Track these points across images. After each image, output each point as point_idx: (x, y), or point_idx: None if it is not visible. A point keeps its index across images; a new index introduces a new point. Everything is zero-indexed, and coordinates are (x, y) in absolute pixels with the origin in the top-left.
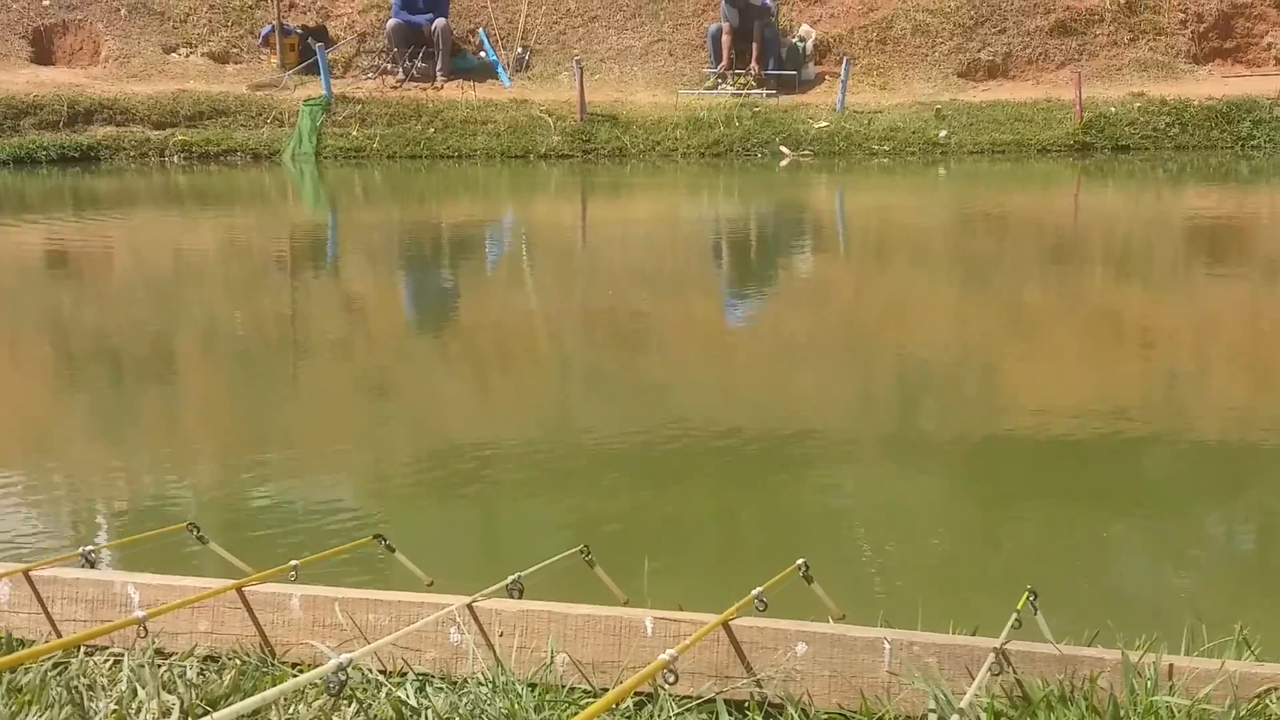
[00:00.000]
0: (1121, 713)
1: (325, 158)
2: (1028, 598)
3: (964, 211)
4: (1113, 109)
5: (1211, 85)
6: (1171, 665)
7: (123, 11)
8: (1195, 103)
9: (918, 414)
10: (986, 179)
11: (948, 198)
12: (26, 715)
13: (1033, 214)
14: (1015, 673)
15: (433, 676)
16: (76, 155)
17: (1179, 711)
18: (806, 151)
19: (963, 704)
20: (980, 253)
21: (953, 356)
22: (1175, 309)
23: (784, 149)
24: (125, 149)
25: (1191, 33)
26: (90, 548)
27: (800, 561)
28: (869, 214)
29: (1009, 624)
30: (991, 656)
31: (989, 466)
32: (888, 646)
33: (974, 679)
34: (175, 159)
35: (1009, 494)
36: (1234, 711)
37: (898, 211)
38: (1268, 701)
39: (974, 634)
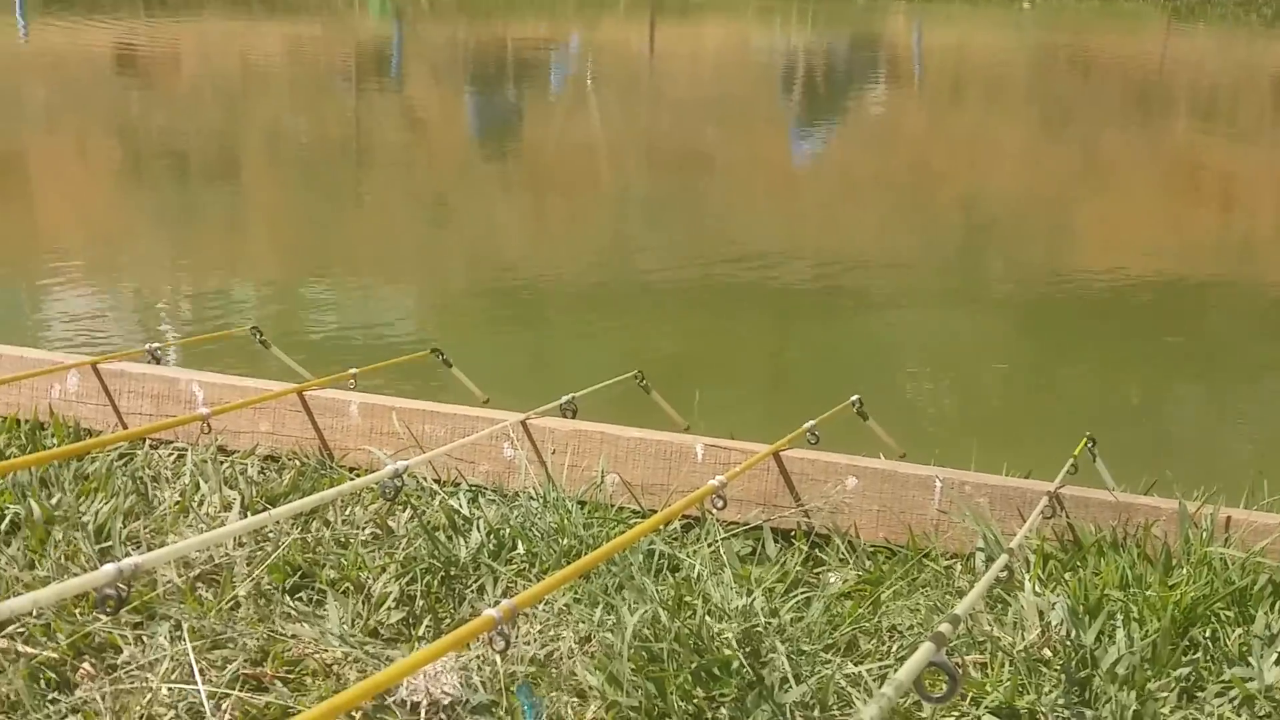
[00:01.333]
0: (1174, 561)
1: None
2: (1086, 444)
3: (1046, 50)
4: None
5: None
6: (1229, 517)
7: None
8: None
9: (984, 257)
10: (1072, 14)
11: (1030, 35)
12: (93, 501)
13: (1117, 55)
14: (1068, 517)
15: (485, 488)
16: None
17: (1234, 563)
18: None
19: (1012, 544)
20: (1060, 95)
21: (1024, 201)
22: (1257, 163)
23: None
24: None
25: None
26: (157, 345)
27: (855, 398)
28: (946, 50)
29: (1065, 468)
30: (1045, 500)
31: (1055, 313)
32: (939, 484)
33: (1025, 521)
34: None
35: (1074, 341)
36: None
37: (977, 49)
38: None
39: (1028, 478)
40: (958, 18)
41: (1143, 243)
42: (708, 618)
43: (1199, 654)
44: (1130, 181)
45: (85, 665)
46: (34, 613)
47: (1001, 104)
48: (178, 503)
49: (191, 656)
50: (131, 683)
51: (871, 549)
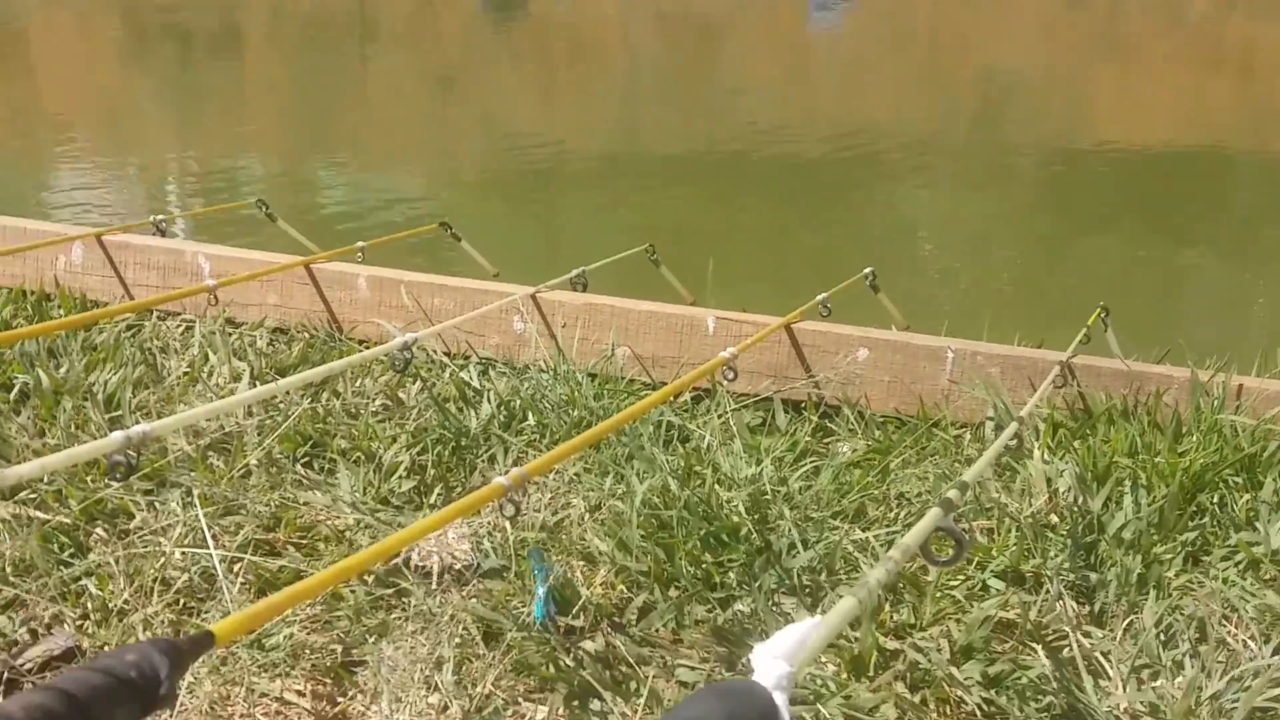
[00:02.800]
0: (1184, 429)
1: None
2: (1099, 314)
3: None
4: None
5: None
6: (1241, 385)
7: None
8: None
9: (998, 131)
10: None
11: None
12: (102, 371)
13: None
14: (1079, 386)
15: (495, 361)
16: None
17: (1244, 430)
18: None
19: (1022, 413)
20: None
21: (1041, 73)
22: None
23: None
24: None
25: None
26: (161, 217)
27: (868, 270)
28: None
29: (1077, 339)
30: (1056, 369)
31: (1068, 186)
32: (950, 355)
33: (1036, 390)
34: None
35: (1087, 214)
36: None
37: None
38: None
39: (1040, 348)
40: None
41: (1162, 115)
42: (717, 486)
43: (1206, 519)
44: (1150, 53)
45: (98, 530)
46: (45, 479)
47: None
48: (186, 373)
49: (203, 522)
50: (144, 547)
51: (881, 419)
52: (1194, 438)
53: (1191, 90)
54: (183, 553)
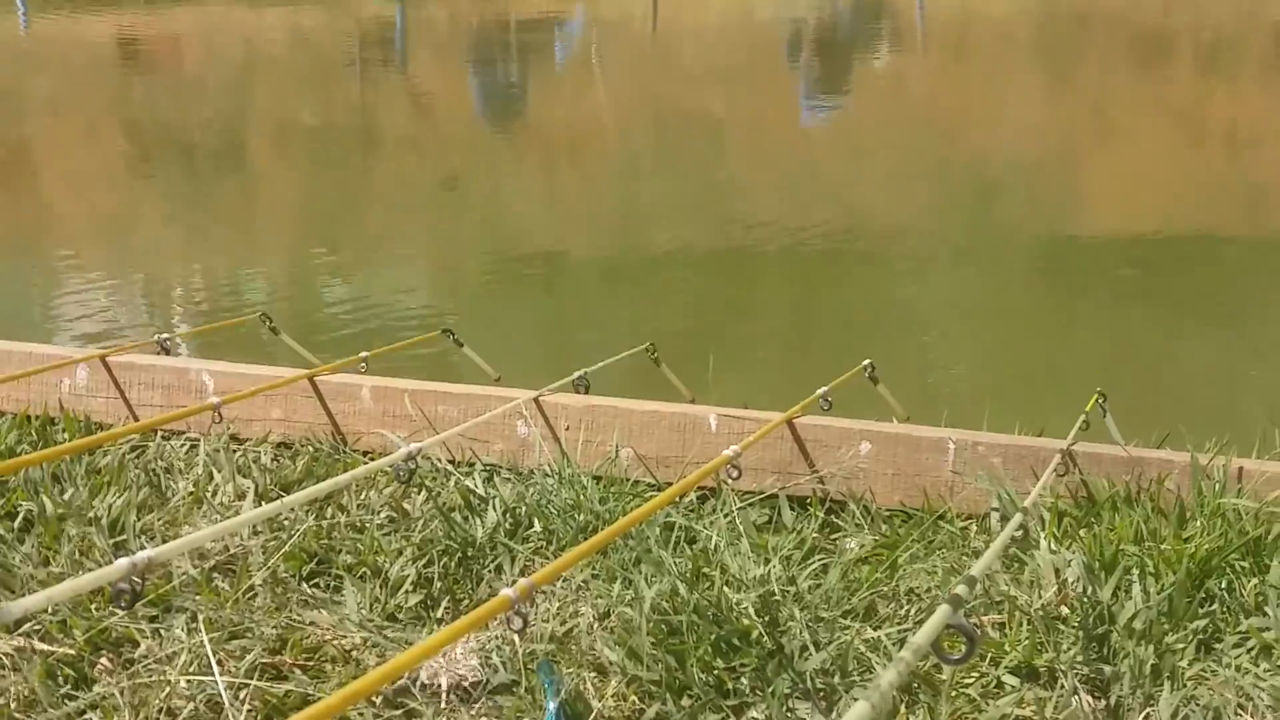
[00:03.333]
0: (1188, 514)
1: None
2: (1097, 400)
3: (1050, 6)
4: None
5: None
6: (1242, 468)
7: None
8: None
9: (992, 217)
10: None
11: None
12: (106, 494)
13: (1121, 10)
14: (1081, 474)
15: (500, 467)
16: None
17: (1246, 514)
18: None
19: (1026, 503)
20: (1065, 51)
21: (1032, 157)
22: (1264, 111)
23: None
24: None
25: None
26: (166, 335)
27: (867, 362)
28: (950, 10)
29: (1076, 425)
30: (1057, 457)
31: (1062, 270)
32: (952, 446)
33: (1039, 479)
34: None
35: (1082, 298)
36: None
37: (979, 7)
38: None
39: (1040, 436)
40: None
41: (1151, 194)
42: (726, 588)
43: (1215, 606)
44: (1138, 133)
45: (102, 660)
46: (50, 610)
47: (1006, 61)
48: (191, 493)
49: (209, 648)
50: (149, 676)
51: (887, 513)
52: (1198, 523)
53: (1180, 168)
54: (188, 681)
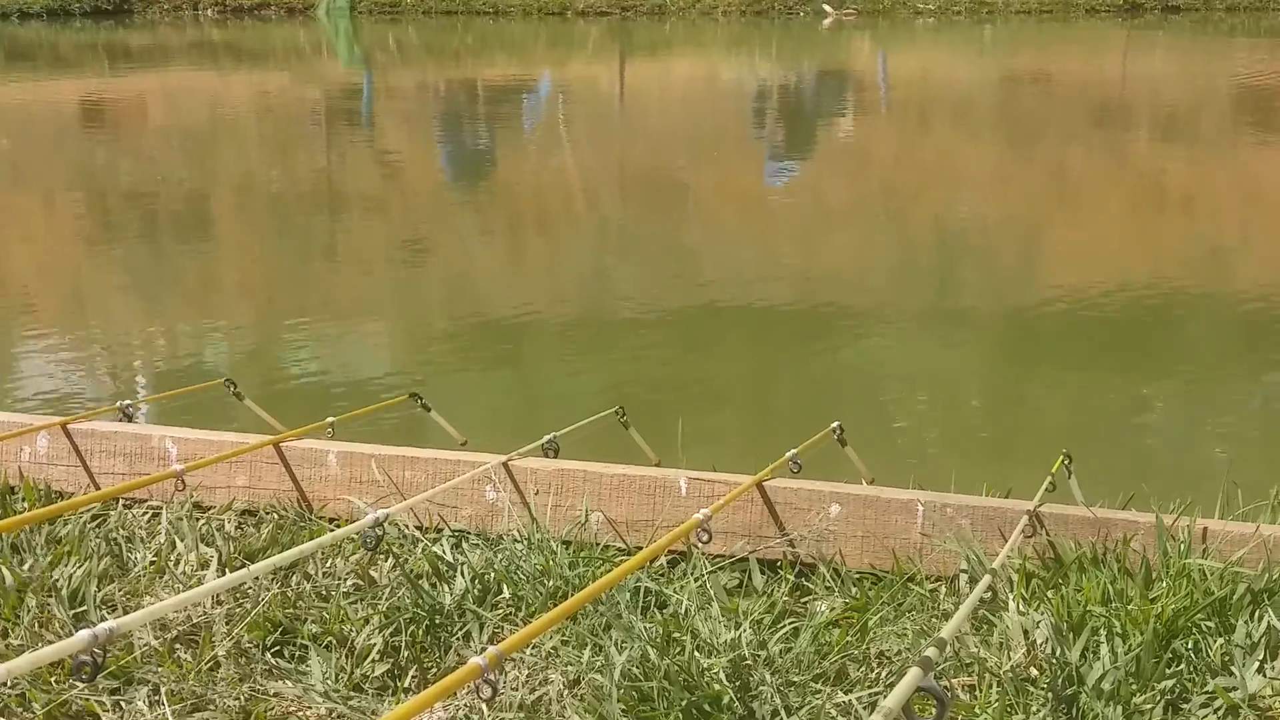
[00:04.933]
0: (1154, 574)
1: (360, 13)
2: (1063, 461)
3: (1009, 74)
4: None
5: None
6: (1206, 529)
7: None
8: None
9: (955, 281)
10: (1033, 40)
11: (993, 59)
12: (66, 564)
13: (1078, 77)
14: (1048, 535)
15: (469, 533)
16: (109, 8)
17: (1212, 574)
18: (850, 10)
19: (994, 564)
20: (1024, 117)
21: (994, 221)
22: (1218, 176)
23: (826, 7)
24: (159, 2)
25: None
26: (128, 402)
27: (835, 425)
28: (911, 76)
29: (1043, 487)
30: (1025, 519)
31: (1025, 333)
32: (921, 508)
33: (1006, 541)
34: (208, 13)
35: (1045, 361)
36: (1267, 574)
37: (941, 73)
38: None
39: (1007, 497)
40: (921, 43)
41: (1112, 258)
42: (696, 653)
43: (1182, 666)
44: (1097, 198)
45: None
46: (8, 683)
47: (968, 126)
48: (153, 563)
49: None
50: None
51: (857, 575)
52: (1164, 583)
53: (1138, 232)
54: None
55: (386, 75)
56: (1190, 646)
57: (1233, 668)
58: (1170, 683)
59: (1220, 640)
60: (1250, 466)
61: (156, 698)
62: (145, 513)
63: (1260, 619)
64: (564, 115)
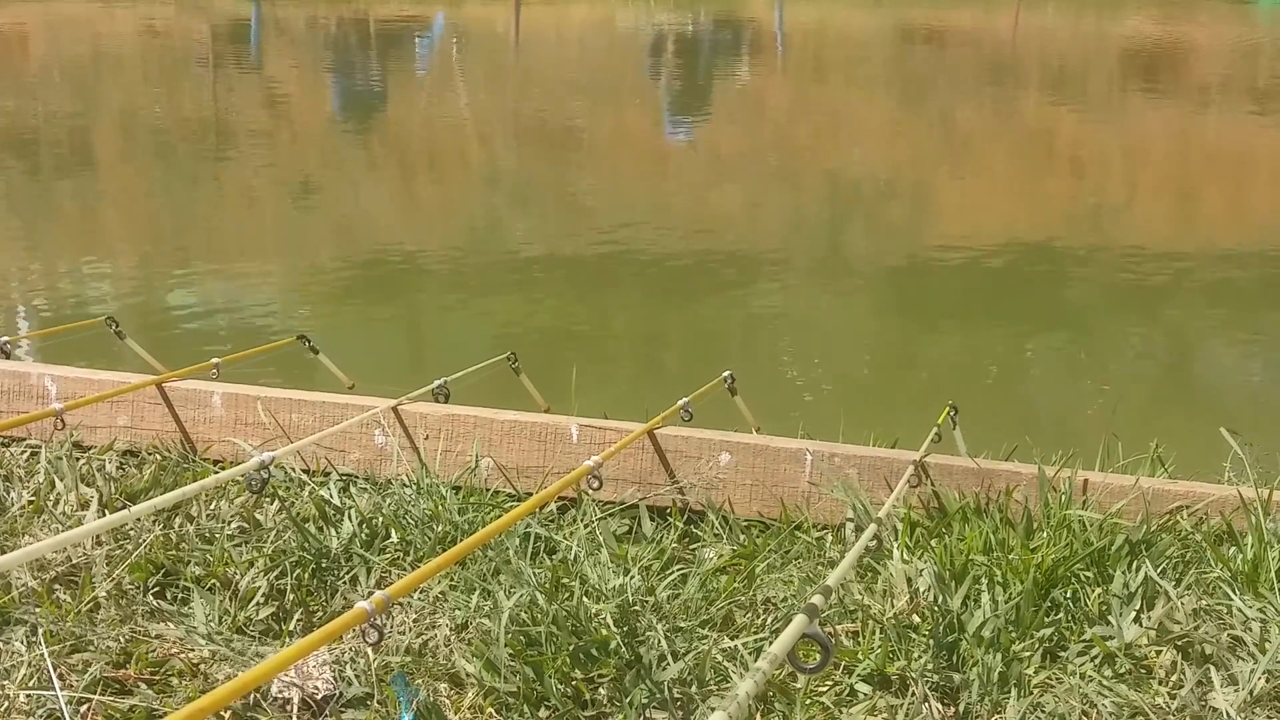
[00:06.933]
0: (1035, 525)
1: None
2: (948, 413)
3: (904, 27)
4: None
5: None
6: (1086, 480)
7: None
8: None
9: (847, 233)
10: None
11: (890, 12)
12: None
13: (972, 31)
14: (933, 485)
15: (356, 477)
16: None
17: (1091, 525)
18: None
19: (880, 514)
20: (918, 71)
21: (885, 175)
22: (1106, 134)
23: None
24: None
25: None
26: (6, 339)
27: (727, 374)
28: (808, 27)
29: (929, 438)
30: (910, 469)
31: (914, 287)
32: (809, 457)
33: (892, 490)
34: None
35: (933, 314)
36: (1145, 526)
37: (838, 26)
38: (1179, 518)
39: (893, 447)
40: None
41: (1000, 214)
42: (585, 599)
43: (1061, 615)
44: (987, 154)
45: None
46: None
47: (863, 81)
48: (31, 502)
49: (49, 661)
50: None
51: (745, 523)
52: (1045, 534)
53: (1026, 188)
54: (27, 695)
55: (275, 8)
56: (1069, 596)
57: (1110, 617)
58: (1049, 631)
59: (1098, 590)
60: (1131, 420)
61: (35, 638)
62: (24, 451)
63: (1138, 569)
64: (458, 56)
